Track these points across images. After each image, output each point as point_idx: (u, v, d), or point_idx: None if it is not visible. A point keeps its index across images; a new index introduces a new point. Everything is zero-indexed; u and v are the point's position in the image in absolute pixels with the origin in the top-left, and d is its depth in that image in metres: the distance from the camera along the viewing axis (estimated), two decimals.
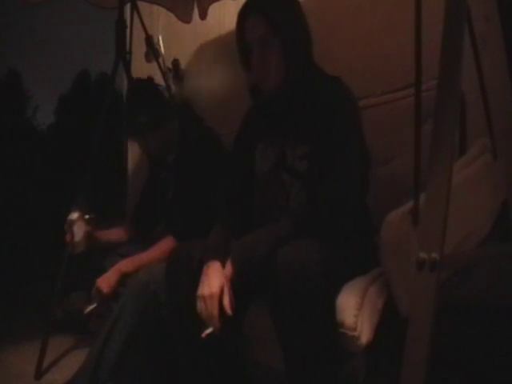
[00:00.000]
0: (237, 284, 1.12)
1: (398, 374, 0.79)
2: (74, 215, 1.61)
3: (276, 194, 1.28)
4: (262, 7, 1.21)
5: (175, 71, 2.61)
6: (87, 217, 1.67)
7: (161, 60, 2.54)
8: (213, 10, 2.42)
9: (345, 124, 1.19)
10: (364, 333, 1.00)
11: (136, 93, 1.80)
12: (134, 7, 2.46)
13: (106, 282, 1.51)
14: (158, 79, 2.56)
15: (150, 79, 1.82)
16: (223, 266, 1.14)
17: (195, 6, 2.42)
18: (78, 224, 1.61)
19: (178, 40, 2.85)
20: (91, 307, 1.51)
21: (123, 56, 2.21)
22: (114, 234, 1.82)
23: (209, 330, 1.09)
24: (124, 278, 1.52)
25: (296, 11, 1.26)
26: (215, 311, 1.08)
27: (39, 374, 1.96)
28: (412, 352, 0.79)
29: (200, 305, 1.11)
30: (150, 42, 2.52)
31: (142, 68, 2.67)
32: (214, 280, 1.11)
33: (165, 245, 1.60)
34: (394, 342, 0.88)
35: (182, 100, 2.32)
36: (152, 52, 2.52)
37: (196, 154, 1.69)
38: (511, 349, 1.38)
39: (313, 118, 1.22)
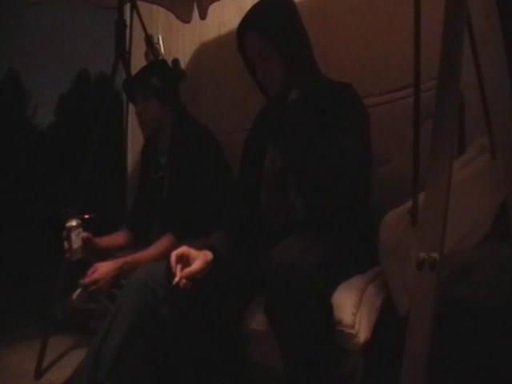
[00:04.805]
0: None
1: (396, 373, 0.79)
2: (72, 222, 1.58)
3: (283, 194, 1.29)
4: (255, 24, 1.28)
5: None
6: (86, 216, 1.65)
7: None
8: (213, 9, 2.42)
9: (353, 128, 1.20)
10: (362, 331, 1.00)
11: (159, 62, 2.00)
12: (134, 7, 2.46)
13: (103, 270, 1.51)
14: None
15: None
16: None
17: (195, 5, 2.43)
18: (75, 231, 1.58)
19: (177, 40, 2.85)
20: (77, 292, 1.52)
21: (123, 56, 2.21)
22: (114, 239, 1.80)
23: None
24: (119, 279, 1.52)
25: (290, 19, 1.29)
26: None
27: (39, 373, 1.96)
28: (412, 351, 0.79)
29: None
30: (149, 42, 2.52)
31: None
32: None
33: (163, 244, 1.60)
34: (391, 340, 0.88)
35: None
36: (152, 52, 2.52)
37: (189, 152, 1.68)
38: (511, 349, 1.38)
39: (321, 121, 1.22)
